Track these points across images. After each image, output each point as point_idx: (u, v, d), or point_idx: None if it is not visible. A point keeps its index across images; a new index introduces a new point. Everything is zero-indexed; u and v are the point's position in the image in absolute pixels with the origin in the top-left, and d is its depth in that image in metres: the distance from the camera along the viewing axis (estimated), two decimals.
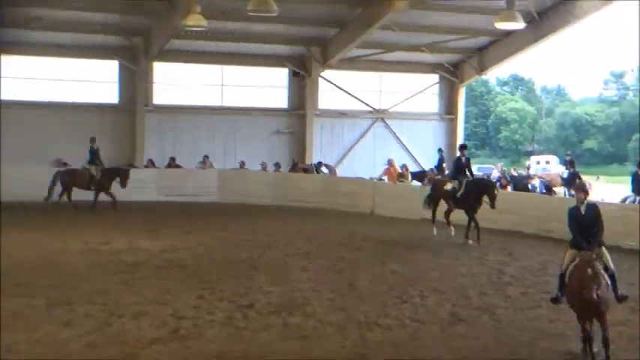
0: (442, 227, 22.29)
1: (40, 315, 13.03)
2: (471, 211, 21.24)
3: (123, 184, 27.85)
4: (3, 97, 32.63)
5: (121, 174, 28.29)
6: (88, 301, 14.03)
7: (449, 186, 22.04)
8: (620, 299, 10.89)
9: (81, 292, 14.79)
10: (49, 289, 15.19)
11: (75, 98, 34.04)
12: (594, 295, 9.80)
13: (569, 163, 34.43)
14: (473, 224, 21.24)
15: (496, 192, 21.17)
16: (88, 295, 14.55)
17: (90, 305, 13.77)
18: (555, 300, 10.51)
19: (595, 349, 10.45)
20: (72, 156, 32.01)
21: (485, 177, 22.24)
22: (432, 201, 22.76)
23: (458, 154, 23.99)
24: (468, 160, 22.50)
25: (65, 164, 31.72)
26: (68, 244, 20.33)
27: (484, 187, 21.50)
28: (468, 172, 21.98)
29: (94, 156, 28.15)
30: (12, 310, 13.20)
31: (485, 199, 21.01)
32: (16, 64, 33.45)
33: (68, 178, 27.97)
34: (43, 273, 16.64)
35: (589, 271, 9.95)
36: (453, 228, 21.86)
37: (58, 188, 27.79)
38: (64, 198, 27.82)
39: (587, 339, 10.40)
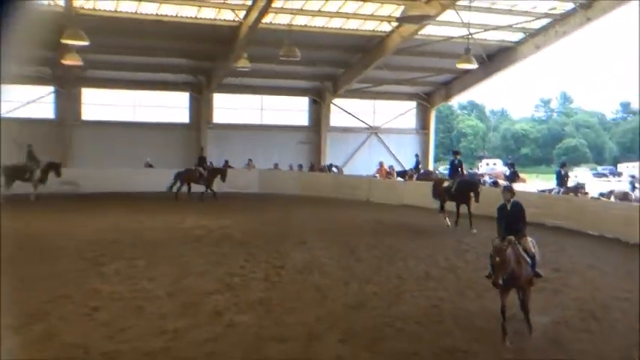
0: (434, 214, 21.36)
1: (135, 272, 13.16)
2: (462, 203, 20.04)
3: (223, 180, 27.54)
4: (103, 118, 32.91)
5: (222, 173, 28.06)
6: (167, 263, 14.14)
7: (446, 184, 21.13)
8: (537, 275, 10.00)
9: (163, 256, 14.92)
10: (142, 252, 15.34)
11: (157, 120, 34.14)
12: (499, 281, 9.13)
13: (510, 165, 34.27)
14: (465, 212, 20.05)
15: (479, 190, 20.07)
16: (168, 258, 14.67)
17: (168, 265, 13.88)
18: (489, 276, 9.51)
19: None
20: (156, 160, 32.37)
21: (473, 177, 21.15)
22: (436, 196, 21.46)
23: (452, 158, 22.50)
24: (460, 162, 21.59)
25: (151, 165, 31.96)
26: (156, 222, 20.48)
27: (471, 186, 20.43)
28: (460, 172, 21.15)
29: (201, 161, 28.12)
30: (114, 269, 13.35)
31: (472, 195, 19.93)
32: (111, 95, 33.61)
33: (185, 176, 27.50)
34: (139, 242, 16.79)
35: (497, 259, 9.18)
36: (447, 216, 20.60)
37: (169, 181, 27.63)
38: (173, 189, 27.31)
39: (503, 311, 9.31)
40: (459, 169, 21.30)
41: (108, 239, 17.02)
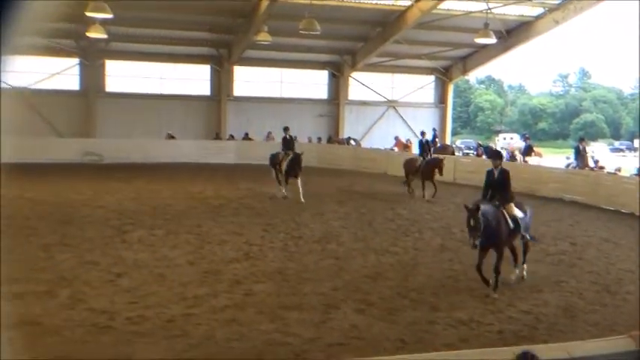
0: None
1: (157, 241, 13.28)
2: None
3: (440, 172, 20.40)
4: (126, 90, 33.00)
5: (439, 163, 20.51)
6: (188, 232, 14.25)
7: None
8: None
9: (183, 225, 15.02)
10: (164, 221, 15.46)
11: (179, 92, 34.13)
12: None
13: (526, 139, 34.20)
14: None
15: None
16: (188, 227, 14.77)
17: (189, 234, 13.99)
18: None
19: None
20: (177, 131, 32.53)
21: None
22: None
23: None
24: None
25: (172, 137, 32.10)
26: (176, 193, 20.59)
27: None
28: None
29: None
30: (137, 238, 13.47)
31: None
32: (134, 67, 33.63)
33: (408, 166, 21.96)
34: (160, 212, 16.91)
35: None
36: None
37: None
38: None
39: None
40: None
41: (131, 209, 17.17)
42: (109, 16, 23.81)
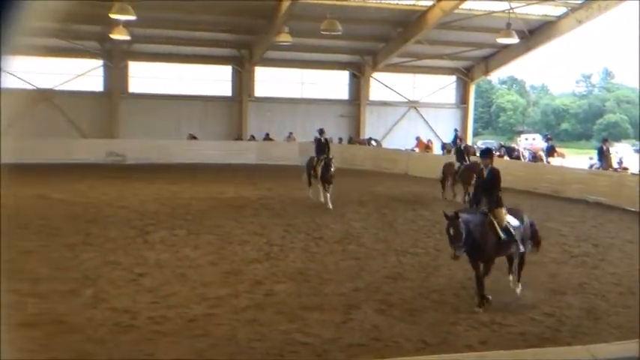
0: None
1: (179, 241, 13.34)
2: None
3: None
4: (149, 91, 33.22)
5: (477, 169, 20.61)
6: (209, 232, 14.30)
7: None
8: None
9: (204, 225, 15.08)
10: (185, 221, 15.54)
11: (200, 92, 34.28)
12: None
13: (548, 139, 34.02)
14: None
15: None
16: (209, 227, 14.82)
17: (210, 235, 14.04)
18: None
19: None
20: (199, 132, 32.69)
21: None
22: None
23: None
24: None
25: (194, 137, 32.28)
26: (198, 193, 20.68)
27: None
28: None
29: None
30: (159, 238, 13.55)
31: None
32: (157, 68, 33.86)
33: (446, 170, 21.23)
34: (181, 212, 17.00)
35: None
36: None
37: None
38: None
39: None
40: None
41: (153, 209, 17.29)
42: (133, 17, 24.02)
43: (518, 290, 9.80)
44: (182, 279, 10.39)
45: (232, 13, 29.78)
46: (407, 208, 18.88)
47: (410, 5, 30.52)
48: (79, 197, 18.92)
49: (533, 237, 10.16)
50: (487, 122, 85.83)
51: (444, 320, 8.71)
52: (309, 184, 19.31)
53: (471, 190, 18.79)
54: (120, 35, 27.75)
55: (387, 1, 30.09)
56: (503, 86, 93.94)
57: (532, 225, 10.16)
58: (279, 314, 8.75)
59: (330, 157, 18.62)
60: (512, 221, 9.40)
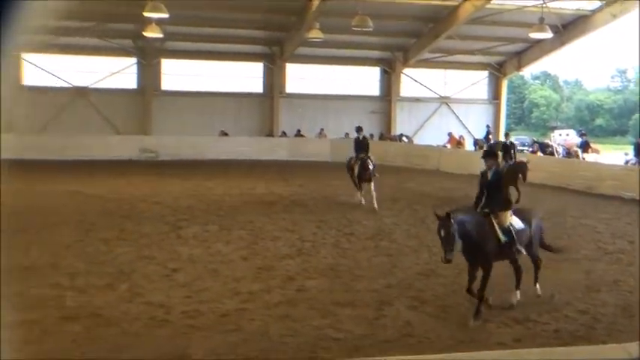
0: None
1: (211, 237, 13.46)
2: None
3: (524, 178, 18.35)
4: (182, 88, 33.52)
5: (523, 168, 18.55)
6: (241, 228, 14.39)
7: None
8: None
9: (236, 221, 15.17)
10: (217, 217, 15.68)
11: (232, 89, 34.48)
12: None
13: (582, 135, 33.84)
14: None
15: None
16: (241, 223, 14.91)
17: (242, 230, 14.13)
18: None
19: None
20: (231, 129, 32.91)
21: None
22: None
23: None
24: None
25: (226, 134, 32.51)
26: (230, 189, 20.83)
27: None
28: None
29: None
30: (192, 233, 13.69)
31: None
32: (189, 66, 34.15)
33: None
34: (213, 208, 17.14)
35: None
36: None
37: None
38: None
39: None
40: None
41: (186, 205, 17.46)
42: (165, 15, 24.26)
43: (516, 299, 9.20)
44: (214, 274, 10.48)
45: (264, 10, 29.89)
46: (439, 203, 18.73)
47: (441, 1, 30.29)
48: (113, 193, 19.20)
49: (541, 241, 9.67)
50: (520, 118, 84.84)
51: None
52: (354, 184, 18.39)
53: (513, 191, 17.57)
54: (153, 33, 28.06)
55: None
56: (537, 82, 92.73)
57: (540, 228, 9.61)
58: (312, 310, 8.79)
59: (368, 155, 17.87)
60: (516, 223, 8.90)
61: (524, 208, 9.99)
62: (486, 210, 8.79)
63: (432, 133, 35.66)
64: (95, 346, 7.30)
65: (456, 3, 30.07)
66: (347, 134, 33.38)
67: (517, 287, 9.27)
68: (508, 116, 50.74)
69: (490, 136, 33.90)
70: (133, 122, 32.77)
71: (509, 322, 8.53)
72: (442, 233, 8.18)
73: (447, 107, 37.82)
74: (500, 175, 9.22)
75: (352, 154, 18.49)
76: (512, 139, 21.61)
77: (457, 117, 37.63)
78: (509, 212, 8.94)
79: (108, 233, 13.39)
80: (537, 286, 9.52)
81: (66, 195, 18.70)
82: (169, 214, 15.94)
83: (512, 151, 19.28)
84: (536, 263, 9.56)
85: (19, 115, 30.08)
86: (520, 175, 18.11)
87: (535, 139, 40.36)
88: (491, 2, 28.97)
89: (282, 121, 34.74)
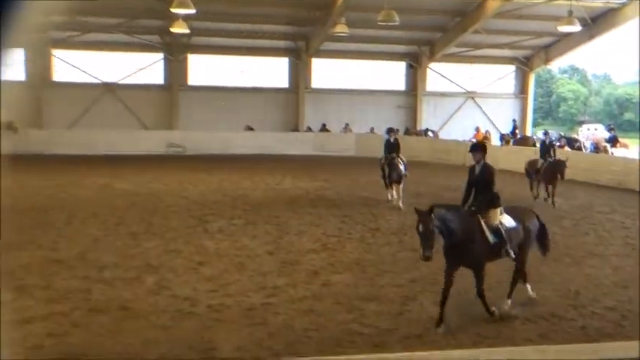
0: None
1: (237, 231, 13.53)
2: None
3: (562, 176, 17.86)
4: (208, 83, 33.71)
5: (562, 167, 17.92)
6: (266, 222, 14.45)
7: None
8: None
9: (262, 215, 15.24)
10: (243, 211, 15.75)
11: (258, 84, 34.57)
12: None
13: (611, 129, 33.41)
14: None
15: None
16: (267, 218, 14.97)
17: (268, 225, 14.18)
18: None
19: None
20: (256, 123, 33.02)
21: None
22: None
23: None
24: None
25: (251, 128, 32.62)
26: (255, 183, 20.91)
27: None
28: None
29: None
30: (218, 227, 13.77)
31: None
32: (215, 61, 34.29)
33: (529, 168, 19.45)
34: (239, 202, 17.23)
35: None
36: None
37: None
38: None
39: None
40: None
41: (212, 199, 17.58)
42: (192, 11, 24.39)
43: (531, 293, 8.87)
44: (240, 268, 10.54)
45: (289, 5, 29.93)
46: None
47: None
48: (141, 187, 19.40)
49: (542, 240, 9.05)
50: (547, 112, 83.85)
51: (502, 312, 8.58)
52: (386, 186, 17.98)
53: (553, 190, 17.82)
54: (180, 29, 28.27)
55: None
56: (565, 75, 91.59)
57: (542, 226, 8.99)
58: (337, 304, 8.80)
59: (395, 156, 17.54)
60: (506, 222, 8.27)
61: (518, 206, 9.40)
62: (473, 208, 8.20)
63: (458, 128, 35.41)
64: (123, 339, 7.39)
65: None
66: (372, 129, 33.31)
67: (510, 295, 8.65)
68: (535, 111, 50.24)
69: (517, 131, 33.58)
70: (160, 117, 33.06)
71: (535, 318, 8.46)
72: (420, 229, 7.59)
73: (473, 102, 37.52)
74: (489, 170, 8.53)
75: (381, 153, 18.26)
76: (539, 133, 21.21)
77: (483, 111, 37.31)
78: (499, 210, 8.30)
79: (136, 227, 13.54)
80: (508, 301, 8.61)
81: (95, 189, 18.95)
82: (196, 208, 16.06)
83: (551, 150, 18.83)
84: (518, 272, 8.72)
85: (49, 111, 30.56)
86: (558, 175, 17.82)
87: (562, 133, 39.82)
88: None
89: (307, 116, 34.76)
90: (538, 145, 24.01)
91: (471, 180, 8.57)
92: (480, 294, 8.14)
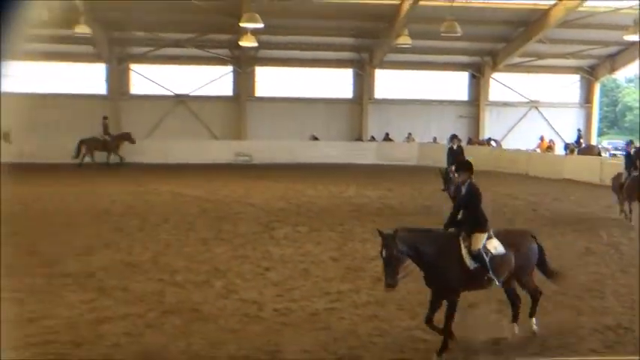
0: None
1: (301, 237, 13.60)
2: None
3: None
4: (274, 94, 34.09)
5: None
6: (331, 229, 14.46)
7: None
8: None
9: (326, 223, 15.26)
10: (307, 219, 15.83)
11: (322, 95, 34.71)
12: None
13: None
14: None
15: None
16: (331, 225, 14.98)
17: (332, 232, 14.19)
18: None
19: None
20: (321, 133, 33.21)
21: None
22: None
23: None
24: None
25: (316, 138, 32.83)
26: (320, 192, 20.99)
27: None
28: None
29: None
30: (283, 234, 13.87)
31: None
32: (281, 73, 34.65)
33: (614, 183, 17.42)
34: (304, 210, 17.32)
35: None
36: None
37: None
38: None
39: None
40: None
41: (278, 206, 17.74)
42: (261, 25, 24.77)
43: (535, 328, 7.85)
44: (305, 274, 10.59)
45: (353, 18, 30.01)
46: (527, 207, 18.24)
47: (531, 4, 29.46)
48: (211, 195, 19.76)
49: (541, 265, 8.11)
50: (612, 122, 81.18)
51: (567, 322, 8.34)
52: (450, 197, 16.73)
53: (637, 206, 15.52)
54: (248, 42, 28.75)
55: (507, 1, 29.21)
56: (631, 84, 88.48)
57: (540, 251, 8.05)
58: (400, 310, 8.73)
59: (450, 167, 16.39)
60: (492, 248, 7.38)
61: (514, 229, 8.58)
62: (454, 231, 7.44)
63: (521, 138, 34.68)
64: (193, 340, 7.52)
65: (547, 6, 29.15)
66: (435, 139, 32.99)
67: (514, 319, 7.88)
68: (600, 120, 48.72)
69: (581, 140, 32.67)
70: (228, 128, 33.66)
71: (601, 328, 8.17)
72: (383, 254, 6.88)
73: (537, 111, 36.70)
74: (474, 191, 7.64)
75: (444, 163, 17.45)
76: (604, 142, 20.21)
77: (547, 121, 36.43)
78: (484, 235, 7.41)
79: (206, 233, 13.79)
80: (533, 320, 7.86)
81: (167, 196, 19.42)
82: (262, 215, 16.24)
83: (637, 162, 16.41)
84: (533, 295, 7.92)
85: (128, 122, 31.53)
86: None
87: (632, 140, 38.43)
88: (583, 5, 27.91)
89: (370, 126, 34.73)
90: (604, 154, 23.26)
91: (459, 200, 7.82)
92: (445, 326, 7.18)
